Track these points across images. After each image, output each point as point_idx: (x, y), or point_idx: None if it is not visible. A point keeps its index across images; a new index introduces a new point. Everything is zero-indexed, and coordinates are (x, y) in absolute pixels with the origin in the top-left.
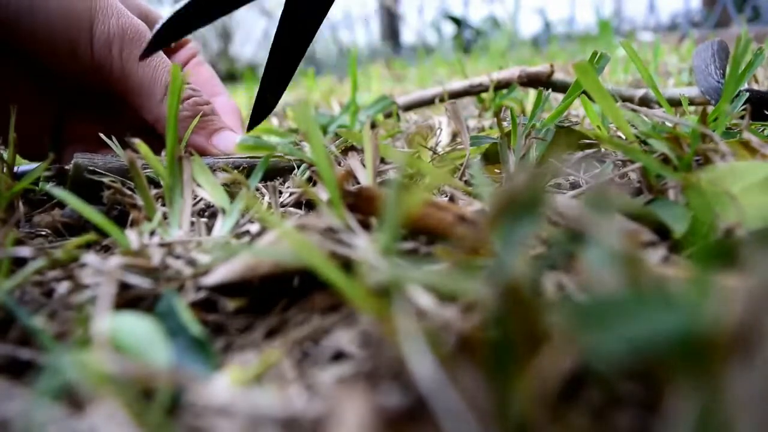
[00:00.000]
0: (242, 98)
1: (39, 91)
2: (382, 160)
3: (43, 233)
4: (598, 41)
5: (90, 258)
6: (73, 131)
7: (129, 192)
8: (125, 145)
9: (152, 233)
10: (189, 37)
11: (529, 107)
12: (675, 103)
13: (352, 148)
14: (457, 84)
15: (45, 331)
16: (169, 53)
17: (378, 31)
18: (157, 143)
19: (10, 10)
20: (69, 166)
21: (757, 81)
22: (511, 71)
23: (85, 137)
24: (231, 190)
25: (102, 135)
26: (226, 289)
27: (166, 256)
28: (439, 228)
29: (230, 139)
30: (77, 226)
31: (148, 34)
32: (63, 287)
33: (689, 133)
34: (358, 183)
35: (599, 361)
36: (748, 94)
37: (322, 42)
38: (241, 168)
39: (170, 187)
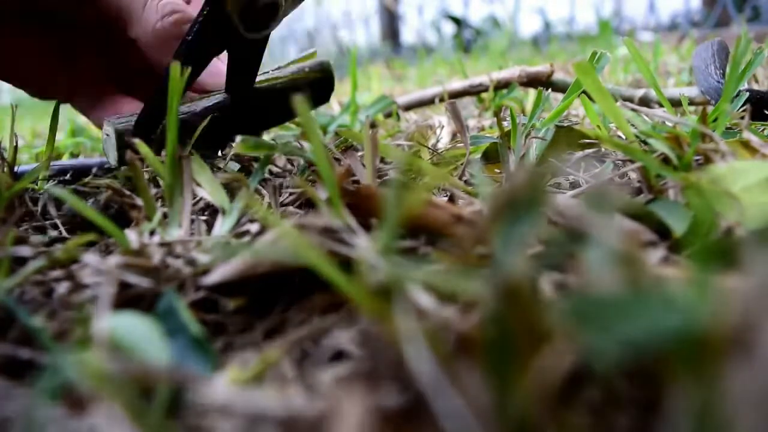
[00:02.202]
0: None
1: (42, 32)
2: (382, 160)
3: (44, 231)
4: (598, 41)
5: (90, 257)
6: (79, 73)
7: (128, 192)
8: (131, 89)
9: (152, 233)
10: None
11: (529, 107)
12: (675, 103)
13: (352, 147)
14: (457, 84)
15: (45, 330)
16: None
17: (378, 31)
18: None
19: None
20: (108, 132)
21: (757, 81)
22: (511, 71)
23: (92, 78)
24: (231, 188)
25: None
26: (225, 288)
27: (166, 256)
28: (435, 227)
29: (217, 69)
30: (77, 225)
31: None
32: (63, 287)
33: (689, 133)
34: (358, 182)
35: (599, 360)
36: (748, 93)
37: (322, 42)
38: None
39: (170, 187)
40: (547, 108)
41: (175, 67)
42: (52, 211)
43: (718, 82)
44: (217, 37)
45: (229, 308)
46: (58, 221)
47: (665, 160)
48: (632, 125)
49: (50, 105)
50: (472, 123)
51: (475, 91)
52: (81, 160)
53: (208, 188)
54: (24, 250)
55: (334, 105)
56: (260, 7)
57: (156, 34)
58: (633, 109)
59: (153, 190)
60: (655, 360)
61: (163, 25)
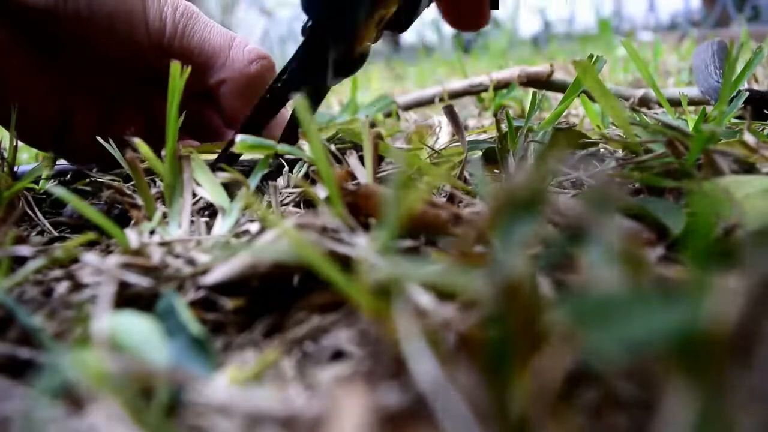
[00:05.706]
0: None
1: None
2: (382, 159)
3: (43, 232)
4: (598, 41)
5: (90, 257)
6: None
7: (129, 191)
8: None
9: (152, 232)
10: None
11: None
12: (675, 103)
13: (353, 146)
14: (457, 84)
15: (44, 330)
16: None
17: None
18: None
19: (68, 7)
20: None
21: (756, 81)
22: (511, 71)
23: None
24: (231, 188)
25: (100, 139)
26: (225, 288)
27: (166, 255)
28: (435, 227)
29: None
30: (76, 224)
31: (198, 13)
32: (63, 287)
33: (693, 138)
34: (357, 182)
35: (598, 360)
36: (747, 93)
37: None
38: None
39: (170, 186)
40: (547, 108)
41: (176, 66)
42: (52, 211)
43: (718, 82)
44: (305, 80)
45: (228, 308)
46: (46, 223)
47: (666, 159)
48: (632, 124)
49: None
50: (472, 123)
51: (475, 91)
52: None
53: (208, 188)
54: (24, 250)
55: (334, 105)
56: (356, 57)
57: (247, 76)
58: (633, 109)
59: (152, 190)
60: (655, 360)
61: (256, 67)
